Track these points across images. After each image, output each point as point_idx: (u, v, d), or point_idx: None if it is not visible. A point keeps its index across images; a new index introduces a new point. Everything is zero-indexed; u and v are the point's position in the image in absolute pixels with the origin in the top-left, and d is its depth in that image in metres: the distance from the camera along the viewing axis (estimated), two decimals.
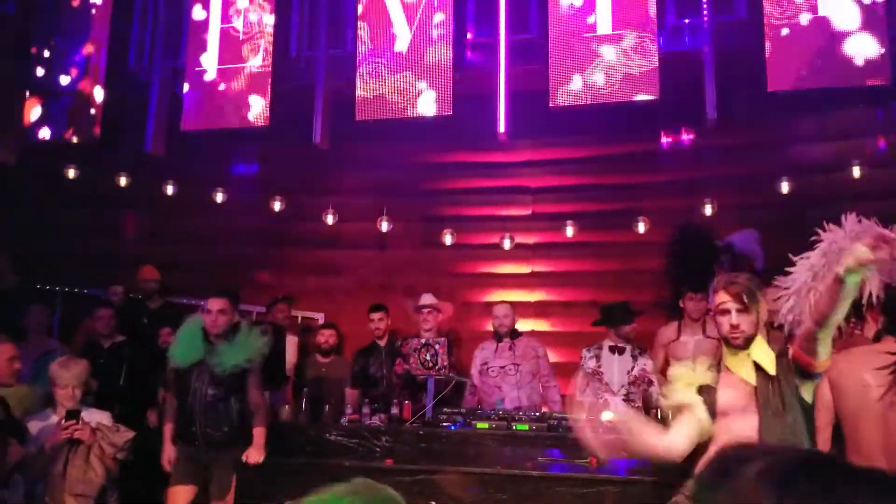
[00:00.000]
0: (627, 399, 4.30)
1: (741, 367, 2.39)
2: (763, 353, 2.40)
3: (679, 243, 5.40)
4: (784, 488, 0.57)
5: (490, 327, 5.13)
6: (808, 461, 0.63)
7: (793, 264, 2.55)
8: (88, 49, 5.84)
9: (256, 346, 3.82)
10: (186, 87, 5.67)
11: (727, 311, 2.37)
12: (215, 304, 3.87)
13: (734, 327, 2.36)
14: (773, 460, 0.62)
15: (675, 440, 2.45)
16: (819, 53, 4.43)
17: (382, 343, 5.05)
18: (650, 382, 4.38)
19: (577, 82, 4.79)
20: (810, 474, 0.59)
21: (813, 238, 2.51)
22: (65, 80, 5.83)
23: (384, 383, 4.88)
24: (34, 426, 3.32)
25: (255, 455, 3.72)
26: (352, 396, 4.96)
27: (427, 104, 5.11)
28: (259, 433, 3.78)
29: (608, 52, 4.75)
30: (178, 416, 3.82)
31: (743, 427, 2.33)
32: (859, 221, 2.37)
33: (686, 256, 5.24)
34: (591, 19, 4.82)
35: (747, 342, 2.39)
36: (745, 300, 2.37)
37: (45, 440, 3.16)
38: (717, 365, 2.51)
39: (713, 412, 2.41)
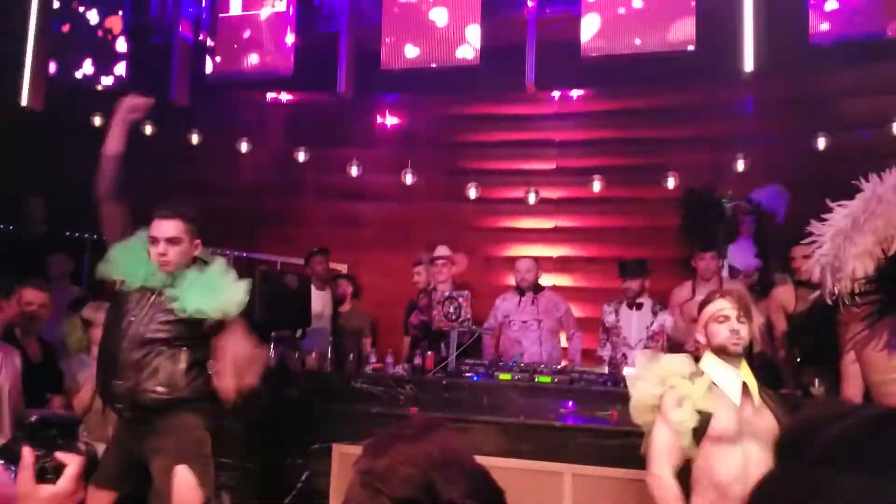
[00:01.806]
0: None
1: (729, 384, 2.22)
2: (750, 376, 2.26)
3: (687, 204, 5.43)
4: (869, 443, 0.57)
5: (512, 281, 5.14)
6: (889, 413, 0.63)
7: (829, 211, 2.47)
8: None
9: (234, 295, 2.62)
10: (210, 35, 5.61)
11: (727, 318, 2.25)
12: (163, 228, 2.60)
13: (735, 332, 2.23)
14: (856, 418, 0.62)
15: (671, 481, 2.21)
16: (863, 2, 4.25)
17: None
18: (668, 338, 4.42)
19: (607, 31, 4.65)
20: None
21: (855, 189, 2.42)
22: (90, 25, 5.79)
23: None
24: (74, 369, 3.44)
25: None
26: (369, 347, 5.02)
27: (453, 54, 5.00)
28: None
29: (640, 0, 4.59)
30: (97, 364, 2.73)
31: (736, 458, 2.15)
32: None
33: (695, 217, 5.28)
34: None
35: (742, 353, 2.26)
36: (744, 310, 2.29)
37: (84, 381, 3.28)
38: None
39: (700, 436, 2.18)
